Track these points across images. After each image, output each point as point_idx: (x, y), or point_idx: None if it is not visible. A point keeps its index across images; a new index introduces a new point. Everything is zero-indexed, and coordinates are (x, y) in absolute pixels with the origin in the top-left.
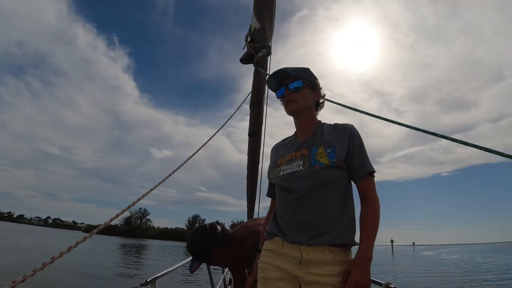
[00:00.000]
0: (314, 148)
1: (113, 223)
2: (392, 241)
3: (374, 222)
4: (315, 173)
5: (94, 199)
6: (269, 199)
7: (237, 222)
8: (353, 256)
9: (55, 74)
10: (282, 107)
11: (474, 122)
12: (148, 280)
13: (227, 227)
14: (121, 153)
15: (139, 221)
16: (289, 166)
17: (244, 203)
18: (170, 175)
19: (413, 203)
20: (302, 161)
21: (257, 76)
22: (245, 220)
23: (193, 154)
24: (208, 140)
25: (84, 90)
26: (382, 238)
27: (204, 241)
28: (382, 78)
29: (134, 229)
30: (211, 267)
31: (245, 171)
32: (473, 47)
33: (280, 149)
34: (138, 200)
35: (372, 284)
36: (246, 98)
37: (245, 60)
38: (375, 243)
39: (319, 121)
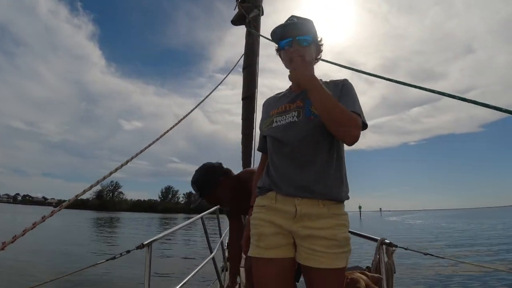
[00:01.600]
0: (308, 100)
1: (84, 197)
2: (360, 207)
3: (338, 107)
4: (310, 124)
5: (63, 173)
6: None
7: None
8: (346, 210)
9: (16, 44)
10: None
11: None
12: (144, 243)
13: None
14: (89, 126)
15: (111, 194)
16: (283, 117)
17: None
18: (149, 145)
19: (381, 172)
20: (296, 112)
21: (249, 37)
22: None
23: (178, 122)
24: (194, 108)
25: (48, 60)
26: (350, 204)
27: (212, 169)
28: (354, 49)
29: (106, 202)
30: (209, 237)
31: (219, 141)
32: (445, 19)
33: (273, 102)
34: (111, 173)
35: (368, 240)
36: (238, 61)
37: (236, 21)
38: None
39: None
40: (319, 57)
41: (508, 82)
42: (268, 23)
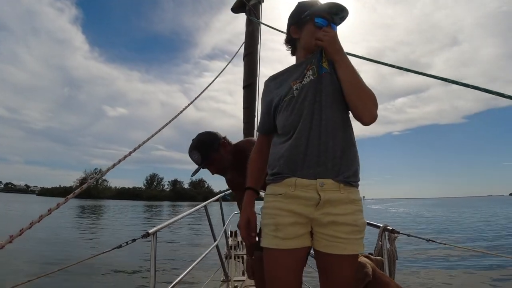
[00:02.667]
0: (318, 56)
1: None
2: None
3: (364, 82)
4: (324, 82)
5: (46, 161)
6: None
7: (196, 180)
8: (360, 195)
9: None
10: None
11: (427, 84)
12: (149, 232)
13: (187, 185)
14: (72, 112)
15: (95, 182)
16: (302, 82)
17: None
18: (151, 136)
19: (365, 160)
20: (311, 71)
21: (250, 25)
22: None
23: (184, 108)
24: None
25: (29, 45)
26: None
27: (212, 133)
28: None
29: (90, 190)
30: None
31: (205, 128)
32: (432, 10)
33: (280, 77)
34: (117, 162)
35: (370, 227)
36: (239, 49)
37: (236, 9)
38: None
39: None
40: None
41: (491, 74)
42: (268, 10)
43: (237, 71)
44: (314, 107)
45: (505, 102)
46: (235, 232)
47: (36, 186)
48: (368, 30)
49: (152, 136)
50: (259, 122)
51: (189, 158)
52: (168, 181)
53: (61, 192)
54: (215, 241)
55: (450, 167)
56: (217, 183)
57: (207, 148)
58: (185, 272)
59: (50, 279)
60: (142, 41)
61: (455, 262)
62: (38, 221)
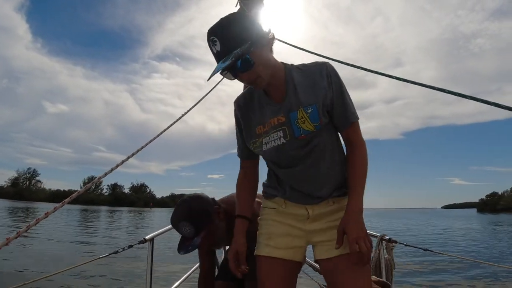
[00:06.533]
0: (293, 113)
1: None
2: None
3: (362, 170)
4: (302, 143)
5: None
6: None
7: (137, 184)
8: None
9: None
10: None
11: (371, 101)
12: (146, 238)
13: (127, 190)
14: (8, 105)
15: (27, 183)
16: (270, 138)
17: (147, 165)
18: (146, 144)
19: None
20: (281, 131)
21: None
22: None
23: (178, 119)
24: (193, 106)
25: None
26: None
27: (204, 198)
28: (291, 50)
29: (22, 191)
30: None
31: (151, 132)
32: (379, 32)
33: (250, 108)
34: (106, 174)
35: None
36: None
37: None
38: None
39: (283, 65)
40: (271, 45)
41: (429, 96)
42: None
43: (188, 75)
44: (295, 163)
45: (440, 121)
46: None
47: None
48: (318, 45)
49: (154, 139)
50: (238, 147)
51: (132, 161)
52: (108, 185)
53: None
54: None
55: (387, 180)
56: (160, 189)
57: (201, 217)
58: (182, 278)
59: (42, 284)
60: (89, 36)
61: (453, 271)
62: (35, 224)
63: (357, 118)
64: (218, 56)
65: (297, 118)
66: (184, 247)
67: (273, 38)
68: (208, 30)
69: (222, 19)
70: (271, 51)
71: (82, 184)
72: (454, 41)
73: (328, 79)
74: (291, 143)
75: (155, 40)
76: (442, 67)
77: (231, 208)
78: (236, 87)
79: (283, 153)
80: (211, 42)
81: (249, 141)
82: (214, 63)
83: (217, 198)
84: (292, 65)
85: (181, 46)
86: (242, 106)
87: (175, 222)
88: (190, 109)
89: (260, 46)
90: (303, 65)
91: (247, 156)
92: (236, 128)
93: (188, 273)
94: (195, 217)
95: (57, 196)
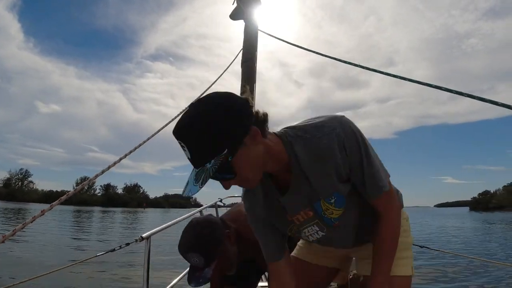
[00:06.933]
0: (316, 204)
1: None
2: None
3: (391, 246)
4: (342, 226)
5: None
6: None
7: (130, 184)
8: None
9: None
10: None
11: (364, 101)
12: (143, 236)
13: (120, 190)
14: (0, 105)
15: (20, 183)
16: (308, 232)
17: (141, 165)
18: (143, 142)
19: None
20: (316, 226)
21: (248, 32)
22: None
23: (175, 117)
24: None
25: None
26: None
27: (211, 226)
28: (286, 50)
29: (15, 192)
30: None
31: (144, 132)
32: (373, 32)
33: (262, 206)
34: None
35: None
36: (236, 56)
37: (234, 15)
38: None
39: (281, 143)
40: (264, 124)
41: (422, 95)
42: (267, 16)
43: (181, 74)
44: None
45: (433, 120)
46: None
47: None
48: (311, 45)
49: (148, 140)
50: (264, 251)
51: (126, 161)
52: (101, 185)
53: None
54: None
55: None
56: (153, 189)
57: (212, 247)
58: (179, 277)
59: (40, 281)
60: (82, 35)
61: (450, 269)
62: (31, 222)
63: (386, 189)
64: (191, 162)
65: (323, 210)
66: (194, 278)
67: (265, 115)
68: (173, 130)
69: (190, 116)
70: (266, 130)
71: (75, 185)
72: (447, 40)
73: (342, 152)
74: (329, 231)
75: (148, 40)
76: (434, 67)
77: (241, 227)
78: (235, 87)
79: (327, 239)
80: (179, 144)
81: (285, 229)
82: (208, 64)
83: (213, 201)
84: (291, 136)
85: (175, 45)
86: (253, 205)
87: (184, 252)
88: (184, 109)
89: (244, 146)
90: (305, 129)
91: (281, 249)
92: (252, 226)
93: (185, 271)
94: (204, 247)
95: (49, 197)
